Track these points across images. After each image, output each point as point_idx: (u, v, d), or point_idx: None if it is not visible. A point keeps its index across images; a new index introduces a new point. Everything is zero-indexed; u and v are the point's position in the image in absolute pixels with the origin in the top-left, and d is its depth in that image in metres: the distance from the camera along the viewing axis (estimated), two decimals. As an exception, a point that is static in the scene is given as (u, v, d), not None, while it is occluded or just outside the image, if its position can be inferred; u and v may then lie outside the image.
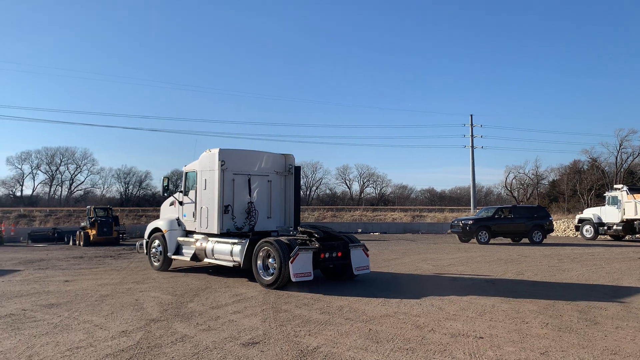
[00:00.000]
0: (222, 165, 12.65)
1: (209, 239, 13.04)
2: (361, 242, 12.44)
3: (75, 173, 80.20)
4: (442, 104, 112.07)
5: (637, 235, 30.23)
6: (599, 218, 30.48)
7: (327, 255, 11.56)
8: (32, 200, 71.58)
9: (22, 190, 77.12)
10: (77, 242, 28.49)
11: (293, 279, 10.61)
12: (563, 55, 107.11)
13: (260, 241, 11.54)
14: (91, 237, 27.84)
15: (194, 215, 13.61)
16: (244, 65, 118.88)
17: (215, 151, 12.88)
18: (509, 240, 28.49)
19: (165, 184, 14.89)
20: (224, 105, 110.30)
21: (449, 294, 10.63)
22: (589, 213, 32.05)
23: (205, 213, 13.07)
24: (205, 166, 13.26)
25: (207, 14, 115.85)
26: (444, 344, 6.67)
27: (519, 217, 27.85)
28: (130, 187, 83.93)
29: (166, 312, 8.79)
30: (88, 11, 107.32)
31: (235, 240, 12.23)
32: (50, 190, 79.75)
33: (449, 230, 33.07)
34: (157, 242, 14.79)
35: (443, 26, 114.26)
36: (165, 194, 15.08)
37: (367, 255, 12.36)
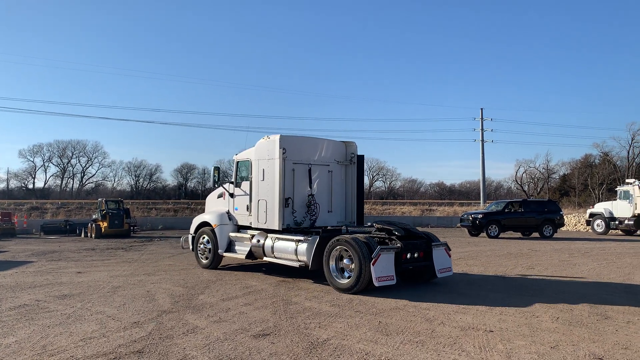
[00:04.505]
0: (283, 154, 11.47)
1: (268, 235, 11.83)
2: (444, 240, 11.28)
3: (87, 166, 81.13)
4: (452, 98, 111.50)
5: (649, 230, 29.97)
6: (611, 212, 30.22)
7: (408, 256, 10.24)
8: (44, 193, 72.36)
9: (34, 183, 78.11)
10: (89, 234, 28.71)
11: (376, 284, 9.34)
12: (575, 49, 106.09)
13: (333, 239, 10.24)
14: (103, 230, 28.04)
15: (248, 208, 12.45)
16: (250, 57, 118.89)
17: (276, 138, 11.62)
18: (519, 235, 28.35)
19: (216, 174, 13.62)
20: (233, 98, 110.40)
21: (459, 287, 10.64)
22: (600, 207, 31.78)
23: (263, 207, 11.86)
24: (262, 154, 12.02)
25: (219, 5, 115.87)
26: (454, 337, 6.68)
27: (530, 212, 27.68)
28: (141, 180, 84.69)
29: (177, 304, 8.87)
30: (99, 3, 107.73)
31: (300, 238, 10.99)
32: (61, 182, 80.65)
33: (459, 224, 32.97)
34: (205, 237, 13.50)
35: (455, 21, 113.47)
36: (216, 185, 13.77)
37: (450, 256, 11.06)
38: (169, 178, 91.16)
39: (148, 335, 6.77)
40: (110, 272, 13.18)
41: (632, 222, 28.70)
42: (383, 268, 9.47)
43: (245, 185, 12.68)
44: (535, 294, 9.86)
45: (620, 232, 30.52)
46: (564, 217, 31.30)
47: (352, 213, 12.75)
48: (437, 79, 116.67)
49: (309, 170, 12.08)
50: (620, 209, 29.55)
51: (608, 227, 30.22)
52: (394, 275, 9.64)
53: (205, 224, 13.65)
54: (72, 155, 79.65)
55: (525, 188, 75.67)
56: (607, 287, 10.78)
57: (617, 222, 29.71)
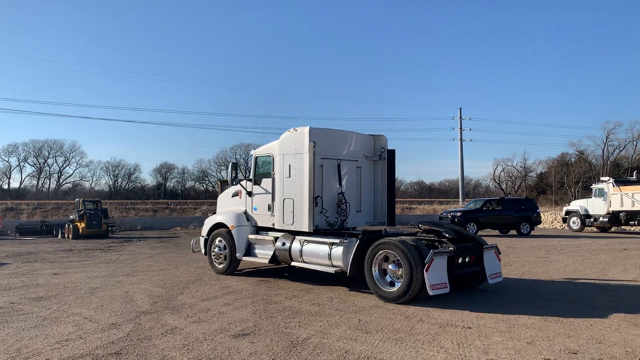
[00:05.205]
0: (313, 147, 10.40)
1: (295, 237, 10.78)
2: (494, 243, 10.27)
3: (64, 166, 79.91)
4: (431, 97, 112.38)
5: (622, 227, 30.58)
6: (586, 210, 30.78)
7: (459, 261, 9.20)
8: (19, 193, 70.95)
9: (9, 183, 76.59)
10: (66, 235, 28.33)
11: (430, 292, 8.31)
12: (551, 49, 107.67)
13: (377, 242, 9.21)
14: (80, 230, 27.70)
15: (270, 208, 11.38)
16: (228, 56, 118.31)
17: (305, 130, 10.55)
18: (497, 232, 28.72)
19: (234, 170, 12.41)
20: (212, 97, 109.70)
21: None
22: (576, 205, 32.36)
23: (289, 206, 10.81)
24: (288, 149, 10.94)
25: (198, 7, 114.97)
26: (433, 334, 6.75)
27: (507, 209, 28.10)
28: (119, 179, 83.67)
29: (156, 305, 8.79)
30: (74, 1, 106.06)
31: (335, 240, 9.95)
32: (38, 183, 79.30)
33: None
34: (220, 240, 12.32)
35: (433, 20, 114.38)
36: (233, 183, 12.45)
37: (499, 260, 10.10)
38: (148, 178, 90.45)
39: (126, 337, 6.70)
40: (88, 273, 13.01)
41: (606, 219, 29.26)
42: (437, 275, 8.49)
43: (266, 182, 11.63)
44: (512, 291, 10.02)
45: (595, 229, 31.11)
46: (541, 214, 31.83)
47: (382, 213, 11.74)
48: (416, 79, 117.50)
49: (338, 166, 11.02)
50: (595, 206, 30.11)
51: (583, 224, 30.77)
52: (447, 282, 8.60)
53: (219, 225, 12.52)
54: (49, 155, 78.45)
55: (503, 186, 76.68)
56: (582, 283, 10.99)
57: (592, 220, 30.27)
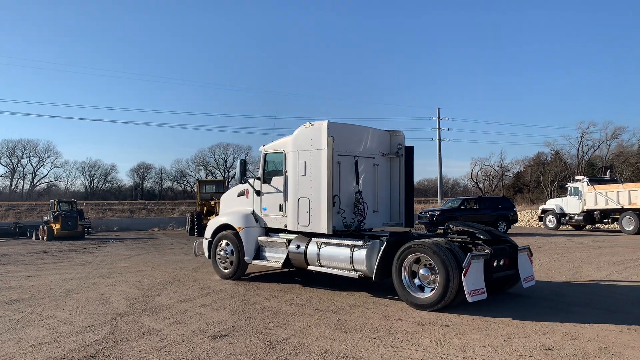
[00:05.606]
0: (332, 143, 9.74)
1: (312, 239, 10.09)
2: (526, 245, 9.63)
3: (38, 166, 78.54)
4: (409, 98, 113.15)
5: (596, 225, 31.17)
6: (561, 208, 31.27)
7: (495, 264, 8.54)
8: (-9, 195, 69.43)
9: (-19, 184, 74.82)
10: (41, 236, 27.85)
11: (469, 299, 7.70)
12: (526, 50, 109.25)
13: (407, 245, 8.53)
14: (55, 232, 27.27)
15: (282, 208, 10.72)
16: (206, 55, 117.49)
17: (323, 124, 9.88)
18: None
19: (243, 167, 11.65)
20: (189, 96, 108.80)
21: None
22: (551, 204, 32.86)
23: (304, 206, 10.12)
24: (303, 145, 10.25)
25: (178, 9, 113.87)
26: (411, 333, 6.78)
27: (484, 208, 28.43)
28: (96, 180, 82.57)
29: (133, 306, 8.68)
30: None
31: (357, 243, 9.30)
32: (11, 183, 77.82)
33: (417, 221, 33.47)
34: (226, 242, 11.53)
35: (409, 20, 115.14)
36: (242, 181, 11.59)
37: (532, 262, 9.49)
38: (125, 178, 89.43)
39: (102, 339, 6.60)
40: (63, 275, 12.78)
41: (581, 218, 29.77)
42: (474, 280, 7.86)
43: (277, 181, 10.91)
44: (489, 289, 10.11)
45: (570, 227, 31.63)
46: (517, 213, 32.27)
47: (399, 213, 11.05)
48: (394, 79, 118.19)
49: (356, 163, 10.37)
50: (571, 205, 30.60)
51: (559, 222, 31.26)
52: (484, 287, 7.95)
53: (225, 226, 11.76)
54: (22, 155, 77.04)
55: (481, 185, 77.67)
56: (557, 281, 11.15)
57: (567, 218, 30.77)
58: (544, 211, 32.88)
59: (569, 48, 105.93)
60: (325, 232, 9.72)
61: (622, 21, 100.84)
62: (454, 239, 8.82)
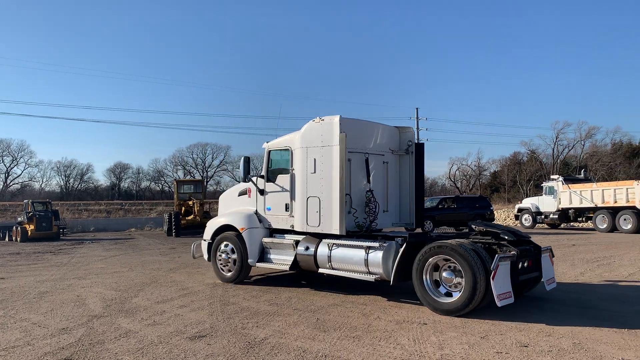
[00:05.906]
0: (345, 139, 9.26)
1: (322, 240, 9.62)
2: (548, 246, 9.24)
3: (11, 166, 76.89)
4: (388, 97, 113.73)
5: (571, 223, 31.76)
6: (537, 207, 31.77)
7: (519, 266, 8.12)
8: (-37, 195, 67.87)
9: (-49, 185, 73.10)
10: (14, 237, 27.37)
11: (498, 303, 7.34)
12: (502, 50, 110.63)
13: (431, 246, 8.07)
14: (29, 233, 26.82)
15: (288, 208, 10.24)
16: (184, 53, 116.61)
17: (334, 119, 9.41)
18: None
19: (247, 165, 10.92)
20: (167, 95, 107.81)
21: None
22: (527, 203, 33.37)
23: (314, 205, 9.63)
24: (313, 141, 9.75)
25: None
26: (390, 331, 6.83)
27: (462, 207, 28.79)
28: (71, 180, 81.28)
29: (109, 308, 8.56)
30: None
31: (373, 244, 8.82)
32: (-17, 184, 75.98)
33: (396, 221, 33.67)
34: (228, 244, 10.97)
35: (387, 19, 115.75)
36: (246, 179, 11.00)
37: (553, 263, 9.16)
38: (101, 178, 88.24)
39: (77, 342, 6.50)
40: (37, 277, 12.55)
41: (556, 216, 30.29)
42: (502, 283, 7.50)
43: (282, 179, 10.43)
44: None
45: (546, 226, 32.17)
46: (494, 212, 32.71)
47: (409, 213, 10.64)
48: (372, 79, 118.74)
49: (366, 161, 9.96)
50: (546, 203, 31.12)
51: (535, 221, 31.76)
52: (511, 291, 7.60)
53: (226, 227, 11.22)
54: (-5, 154, 75.35)
55: (459, 185, 78.40)
56: (533, 278, 11.32)
57: (543, 217, 31.28)
58: (520, 210, 33.39)
59: (544, 50, 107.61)
60: (337, 232, 9.28)
61: (595, 23, 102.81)
62: (477, 239, 8.40)
